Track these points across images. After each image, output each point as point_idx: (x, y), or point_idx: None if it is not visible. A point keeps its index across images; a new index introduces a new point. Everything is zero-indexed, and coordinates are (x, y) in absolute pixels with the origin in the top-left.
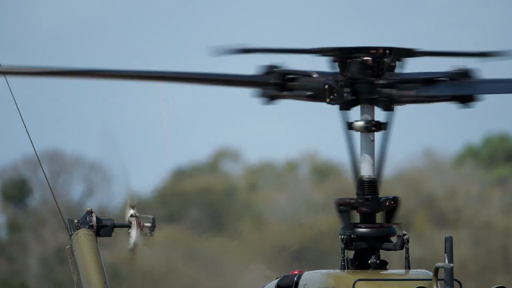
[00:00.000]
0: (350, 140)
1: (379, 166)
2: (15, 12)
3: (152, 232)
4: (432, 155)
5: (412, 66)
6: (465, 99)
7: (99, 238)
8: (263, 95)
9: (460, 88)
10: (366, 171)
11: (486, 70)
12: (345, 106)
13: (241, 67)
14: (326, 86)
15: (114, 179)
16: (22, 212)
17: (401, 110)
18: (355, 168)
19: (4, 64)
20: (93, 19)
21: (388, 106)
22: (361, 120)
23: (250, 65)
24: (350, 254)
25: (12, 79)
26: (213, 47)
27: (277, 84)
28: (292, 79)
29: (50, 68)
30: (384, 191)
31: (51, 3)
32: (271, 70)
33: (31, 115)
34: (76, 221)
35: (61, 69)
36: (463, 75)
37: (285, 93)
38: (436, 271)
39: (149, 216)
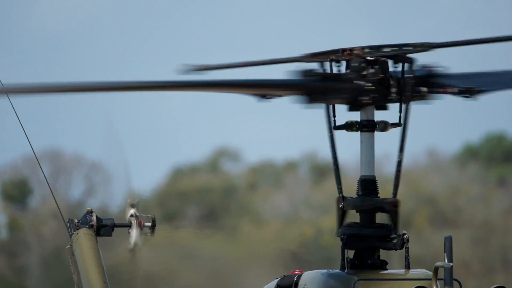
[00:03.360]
0: (332, 140)
1: (397, 166)
2: (15, 13)
3: (153, 232)
4: (433, 155)
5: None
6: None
7: (99, 238)
8: (306, 99)
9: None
10: (366, 171)
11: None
12: (356, 106)
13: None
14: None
15: (115, 178)
16: (22, 212)
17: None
18: (337, 168)
19: (5, 64)
20: (92, 20)
21: (398, 105)
22: (362, 120)
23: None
24: (350, 254)
25: (12, 80)
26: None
27: (316, 88)
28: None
29: (50, 85)
30: (385, 191)
31: (50, 4)
32: (310, 74)
33: (31, 115)
34: (76, 221)
35: (59, 86)
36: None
37: (322, 96)
38: (435, 270)
39: (149, 215)
